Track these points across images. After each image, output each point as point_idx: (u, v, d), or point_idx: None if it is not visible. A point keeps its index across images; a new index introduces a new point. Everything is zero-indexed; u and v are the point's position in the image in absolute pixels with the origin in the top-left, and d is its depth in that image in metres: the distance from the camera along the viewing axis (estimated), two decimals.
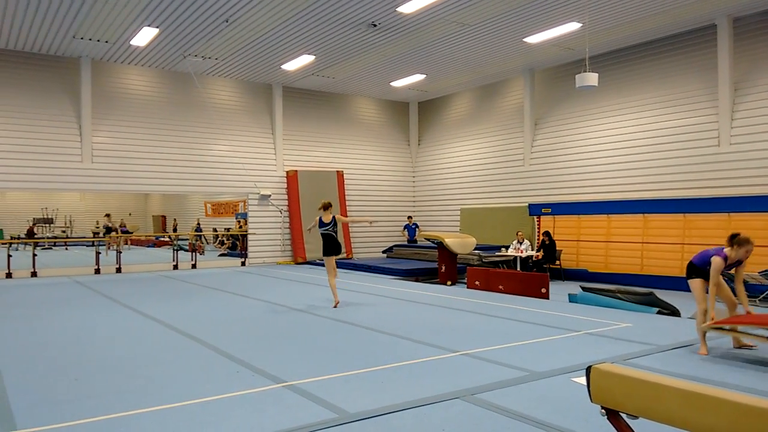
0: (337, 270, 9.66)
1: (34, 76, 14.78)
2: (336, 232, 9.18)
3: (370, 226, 14.89)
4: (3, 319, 8.11)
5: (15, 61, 14.53)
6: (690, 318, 8.02)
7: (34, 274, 14.38)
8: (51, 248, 26.52)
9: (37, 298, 10.41)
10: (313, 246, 17.78)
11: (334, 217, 9.10)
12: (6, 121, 14.34)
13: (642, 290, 9.14)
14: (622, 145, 14.21)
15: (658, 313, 8.53)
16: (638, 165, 13.84)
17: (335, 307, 8.93)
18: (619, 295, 9.19)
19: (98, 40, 13.80)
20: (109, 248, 20.16)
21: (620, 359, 5.64)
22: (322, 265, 16.96)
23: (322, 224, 9.11)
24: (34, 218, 29.57)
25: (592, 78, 10.81)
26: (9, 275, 14.02)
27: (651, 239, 12.83)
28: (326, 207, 9.16)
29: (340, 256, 12.02)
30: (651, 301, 8.82)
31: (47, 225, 29.94)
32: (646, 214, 13.00)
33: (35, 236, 26.28)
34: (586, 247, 14.13)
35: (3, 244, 22.28)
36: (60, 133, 14.98)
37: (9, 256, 14.27)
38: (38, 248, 16.99)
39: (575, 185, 15.18)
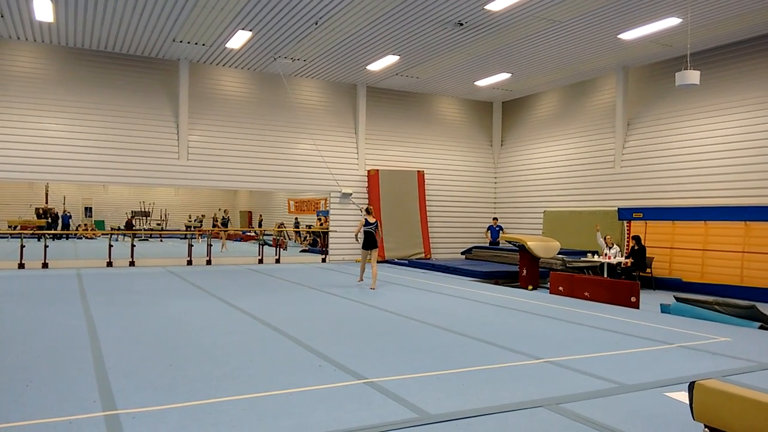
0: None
1: (137, 78, 15.75)
2: (375, 231, 11.60)
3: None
4: (105, 306, 8.69)
5: (119, 63, 15.54)
6: None
7: (132, 264, 15.33)
8: (147, 240, 28.19)
9: (135, 287, 11.08)
10: (392, 245, 17.91)
11: (376, 220, 11.66)
12: (109, 120, 15.37)
13: (743, 303, 8.55)
14: (724, 147, 13.33)
15: (761, 328, 7.94)
16: (741, 169, 12.93)
17: (360, 281, 12.01)
18: (716, 307, 8.62)
19: (196, 43, 14.52)
20: (223, 240, 21.49)
21: (718, 375, 5.27)
22: (401, 264, 17.10)
23: (367, 224, 11.55)
24: (132, 211, 31.60)
25: (693, 76, 10.18)
26: (110, 264, 15.02)
27: (753, 248, 11.94)
28: (370, 212, 11.80)
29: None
30: (753, 315, 8.21)
31: (144, 218, 31.89)
32: (748, 222, 12.11)
33: (133, 228, 28.05)
34: (681, 255, 13.36)
35: (104, 234, 23.94)
36: (159, 131, 15.89)
37: (110, 246, 15.30)
38: (136, 239, 18.08)
39: (670, 189, 14.38)
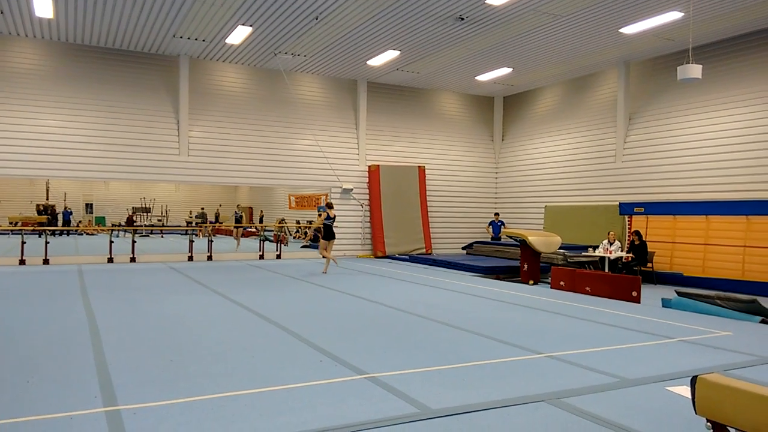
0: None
1: (137, 74, 15.72)
2: (333, 224, 12.89)
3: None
4: (106, 301, 8.69)
5: (119, 59, 15.51)
6: None
7: (133, 260, 15.33)
8: (148, 236, 28.17)
9: (136, 283, 11.08)
10: (393, 240, 17.93)
11: (335, 215, 12.97)
12: (110, 116, 15.35)
13: (744, 297, 8.53)
14: (726, 141, 13.30)
15: (762, 322, 7.93)
16: (742, 163, 12.91)
17: (324, 272, 12.87)
18: (718, 301, 8.62)
19: (196, 39, 14.48)
20: (237, 237, 21.42)
21: (720, 369, 5.27)
22: (402, 259, 17.09)
23: (328, 218, 12.84)
24: (133, 207, 31.56)
25: (695, 70, 10.15)
26: (111, 260, 15.03)
27: (754, 243, 11.93)
28: (330, 206, 12.98)
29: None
30: (754, 309, 8.20)
31: (145, 214, 31.84)
32: (749, 216, 12.09)
33: (134, 224, 28.05)
34: (682, 250, 13.34)
35: (105, 231, 23.93)
36: (159, 127, 15.87)
37: (111, 242, 15.30)
38: (137, 235, 18.08)
39: (672, 184, 14.36)
